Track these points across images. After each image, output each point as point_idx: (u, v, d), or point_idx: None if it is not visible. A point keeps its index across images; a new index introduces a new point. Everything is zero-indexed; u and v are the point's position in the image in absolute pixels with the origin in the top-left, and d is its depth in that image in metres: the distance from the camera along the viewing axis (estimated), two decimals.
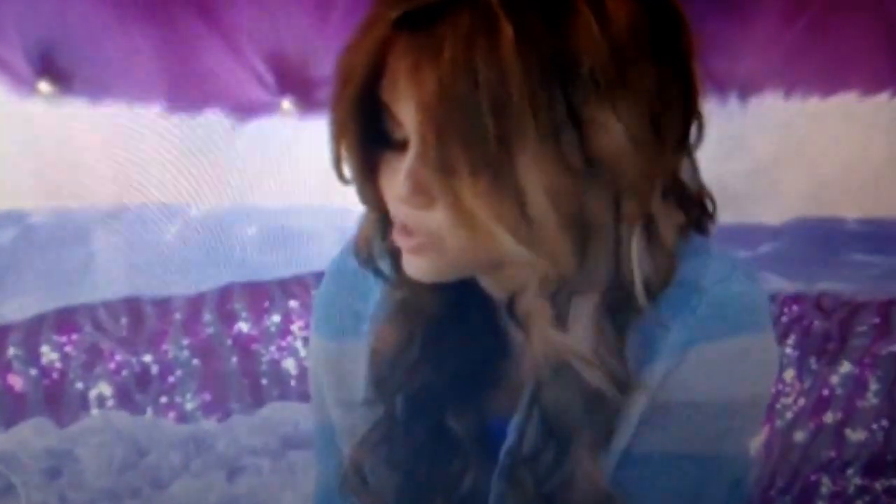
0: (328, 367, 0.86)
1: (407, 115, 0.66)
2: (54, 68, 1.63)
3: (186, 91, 1.69)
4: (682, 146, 0.72)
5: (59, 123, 1.67)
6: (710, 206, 0.77)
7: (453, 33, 0.62)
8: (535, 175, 0.63)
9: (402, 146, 0.68)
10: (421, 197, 0.67)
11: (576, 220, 0.66)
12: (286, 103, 1.75)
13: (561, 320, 0.70)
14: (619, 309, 0.70)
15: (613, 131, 0.64)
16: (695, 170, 0.75)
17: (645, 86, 0.65)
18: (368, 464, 0.82)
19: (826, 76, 1.63)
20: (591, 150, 0.64)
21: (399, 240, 0.72)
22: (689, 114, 0.70)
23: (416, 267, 0.72)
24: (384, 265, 0.78)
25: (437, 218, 0.68)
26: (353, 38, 0.67)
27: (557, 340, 0.70)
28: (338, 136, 0.70)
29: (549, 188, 0.64)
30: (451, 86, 0.62)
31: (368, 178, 0.72)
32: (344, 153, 0.71)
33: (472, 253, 0.69)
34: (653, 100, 0.66)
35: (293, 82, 1.72)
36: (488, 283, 0.77)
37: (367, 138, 0.70)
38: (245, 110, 1.74)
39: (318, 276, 0.91)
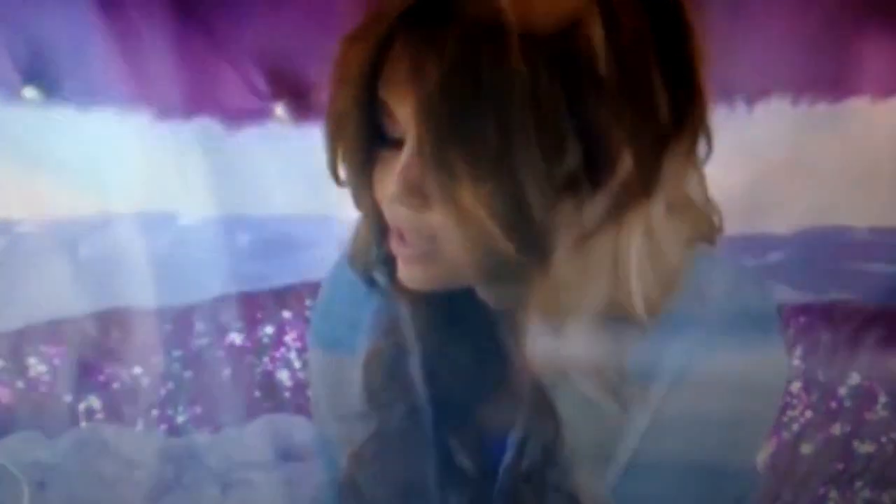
0: (325, 377, 0.85)
1: (404, 112, 0.65)
2: (41, 74, 1.62)
3: (177, 97, 1.68)
4: (688, 157, 0.69)
5: (45, 130, 1.65)
6: (716, 220, 0.76)
7: (458, 31, 0.60)
8: (534, 179, 0.61)
9: (398, 145, 0.67)
10: (414, 197, 0.65)
11: (575, 228, 0.64)
12: (279, 109, 1.74)
13: (559, 331, 0.68)
14: (619, 321, 0.68)
15: (616, 139, 0.62)
16: (701, 181, 0.73)
17: (650, 93, 0.64)
18: (363, 478, 0.81)
19: (835, 80, 1.62)
20: (593, 156, 0.62)
21: (395, 248, 0.71)
22: (696, 124, 0.68)
23: (411, 275, 0.71)
24: (380, 274, 0.77)
25: (433, 220, 0.66)
26: (354, 34, 0.66)
27: (555, 352, 0.68)
28: (335, 133, 0.69)
29: (548, 193, 0.62)
30: (453, 83, 0.60)
31: (364, 180, 0.70)
32: (340, 152, 0.69)
33: (468, 259, 0.67)
34: (658, 107, 0.64)
35: (286, 88, 1.72)
36: (486, 294, 0.75)
37: (364, 136, 0.68)
38: (237, 116, 1.73)
39: (313, 285, 0.91)
